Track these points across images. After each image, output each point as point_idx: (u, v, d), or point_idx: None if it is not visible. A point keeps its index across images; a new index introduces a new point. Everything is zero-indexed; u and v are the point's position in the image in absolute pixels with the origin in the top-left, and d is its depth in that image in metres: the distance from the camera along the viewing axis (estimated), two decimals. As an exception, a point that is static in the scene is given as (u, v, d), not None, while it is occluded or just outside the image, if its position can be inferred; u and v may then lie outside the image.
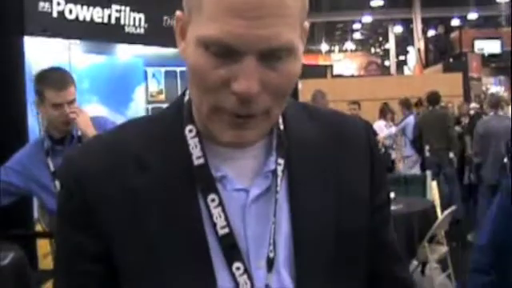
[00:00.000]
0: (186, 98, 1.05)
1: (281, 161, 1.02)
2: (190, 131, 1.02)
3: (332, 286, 1.03)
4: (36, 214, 4.34)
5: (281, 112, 1.00)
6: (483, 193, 7.73)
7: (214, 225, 0.98)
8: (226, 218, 0.98)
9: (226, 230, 0.98)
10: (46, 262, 4.03)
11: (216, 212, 0.98)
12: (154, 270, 0.98)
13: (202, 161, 1.00)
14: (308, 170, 1.05)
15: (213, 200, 0.98)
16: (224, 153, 1.01)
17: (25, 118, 4.06)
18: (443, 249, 5.83)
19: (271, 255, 0.99)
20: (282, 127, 1.05)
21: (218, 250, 0.98)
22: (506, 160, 7.29)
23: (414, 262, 5.72)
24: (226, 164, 1.01)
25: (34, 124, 4.19)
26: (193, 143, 1.01)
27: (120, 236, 0.99)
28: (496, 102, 7.96)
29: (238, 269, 0.98)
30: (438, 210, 6.13)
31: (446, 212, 5.76)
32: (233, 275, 0.98)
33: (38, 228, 4.33)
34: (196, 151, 1.00)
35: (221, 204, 0.98)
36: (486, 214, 6.85)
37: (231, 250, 0.98)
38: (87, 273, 1.02)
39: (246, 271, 0.98)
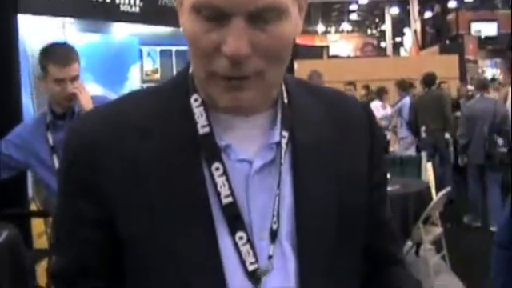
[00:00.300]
0: (191, 69, 1.05)
1: (285, 133, 1.03)
2: (196, 100, 1.02)
3: (333, 258, 1.03)
4: (31, 193, 4.33)
5: (279, 78, 1.01)
6: (472, 174, 7.82)
7: (218, 194, 0.98)
8: (230, 187, 0.99)
9: (230, 199, 0.98)
10: (41, 242, 4.02)
11: (220, 181, 0.99)
12: (157, 236, 0.97)
13: (207, 129, 1.00)
14: (311, 144, 1.05)
15: (217, 169, 0.99)
16: (228, 121, 1.01)
17: (19, 97, 4.03)
18: (438, 230, 5.85)
19: (275, 227, 1.00)
20: (286, 101, 1.06)
21: (221, 219, 0.98)
22: (493, 139, 7.43)
23: (409, 243, 5.75)
24: (230, 133, 1.01)
25: (29, 103, 4.16)
26: (198, 112, 1.01)
27: (122, 205, 0.99)
28: (482, 85, 8.06)
29: (240, 238, 0.98)
30: (433, 191, 6.15)
31: (441, 193, 5.77)
32: (236, 244, 0.98)
33: (33, 207, 4.32)
34: (201, 120, 1.01)
35: (225, 173, 0.99)
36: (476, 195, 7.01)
37: (235, 219, 0.99)
38: (87, 241, 1.02)
39: (249, 241, 0.99)
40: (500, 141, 7.39)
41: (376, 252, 1.16)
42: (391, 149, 10.02)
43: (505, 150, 7.31)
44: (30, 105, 4.17)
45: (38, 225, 4.11)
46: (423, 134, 9.01)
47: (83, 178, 1.00)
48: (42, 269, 3.73)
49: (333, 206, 1.04)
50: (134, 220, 0.98)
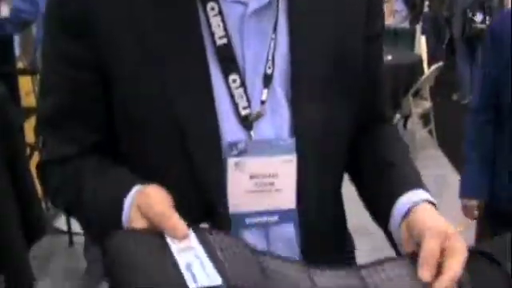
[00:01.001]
0: None
1: None
2: None
3: (326, 106, 1.01)
4: (18, 52, 4.28)
5: None
6: (459, 49, 7.91)
7: (213, 34, 0.95)
8: (225, 29, 0.95)
9: (224, 41, 0.95)
10: (29, 100, 4.02)
11: (215, 21, 0.95)
12: (148, 74, 0.94)
13: None
14: None
15: (212, 8, 0.95)
16: None
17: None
18: (427, 104, 5.87)
19: (269, 71, 0.98)
20: None
21: (215, 60, 0.95)
22: (469, 13, 7.45)
23: (397, 116, 5.77)
24: None
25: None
26: None
27: (113, 44, 0.94)
28: None
29: (234, 81, 0.96)
30: (425, 65, 6.12)
31: (433, 67, 5.74)
32: (229, 88, 0.96)
33: (20, 66, 4.28)
34: None
35: (220, 13, 0.95)
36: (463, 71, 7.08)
37: (228, 61, 0.96)
38: (73, 81, 0.98)
39: (243, 85, 0.96)
40: (479, 16, 7.37)
41: (368, 108, 1.13)
42: (385, 21, 9.89)
43: (483, 26, 7.32)
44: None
45: (25, 83, 4.09)
46: (426, 9, 8.90)
47: (72, 17, 0.95)
48: (30, 126, 3.73)
49: (329, 52, 1.01)
50: (126, 58, 0.94)
